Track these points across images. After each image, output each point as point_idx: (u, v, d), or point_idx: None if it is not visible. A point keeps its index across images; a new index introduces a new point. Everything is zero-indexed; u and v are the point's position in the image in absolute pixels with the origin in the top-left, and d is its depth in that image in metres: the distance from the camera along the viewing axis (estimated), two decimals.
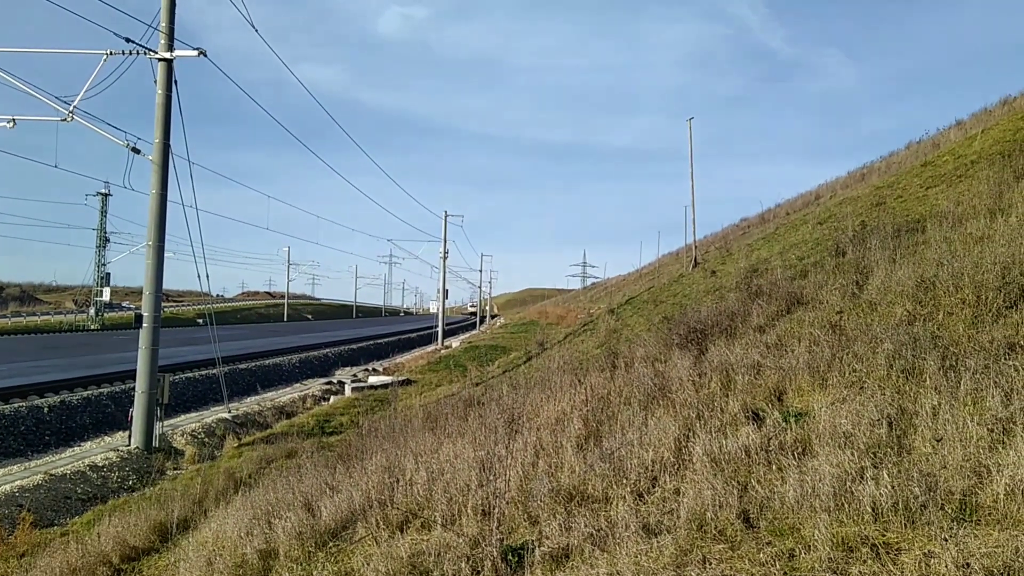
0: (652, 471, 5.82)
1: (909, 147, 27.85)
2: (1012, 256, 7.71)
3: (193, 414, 21.38)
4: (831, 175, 36.12)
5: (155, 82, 16.58)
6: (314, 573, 5.79)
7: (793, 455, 5.27)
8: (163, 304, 18.23)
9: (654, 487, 5.60)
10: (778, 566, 4.01)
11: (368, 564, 5.50)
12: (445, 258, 53.41)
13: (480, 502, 5.84)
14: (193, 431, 18.15)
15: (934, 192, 14.92)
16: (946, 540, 3.73)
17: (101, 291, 61.35)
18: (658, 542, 4.54)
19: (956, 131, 22.83)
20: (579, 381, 9.52)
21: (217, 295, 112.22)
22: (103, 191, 60.18)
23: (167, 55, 16.51)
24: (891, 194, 17.63)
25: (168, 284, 18.11)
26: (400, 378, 28.14)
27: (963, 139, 19.39)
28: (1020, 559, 3.51)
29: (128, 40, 16.04)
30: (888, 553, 3.86)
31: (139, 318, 16.60)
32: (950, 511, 4.04)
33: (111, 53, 16.51)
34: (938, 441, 4.74)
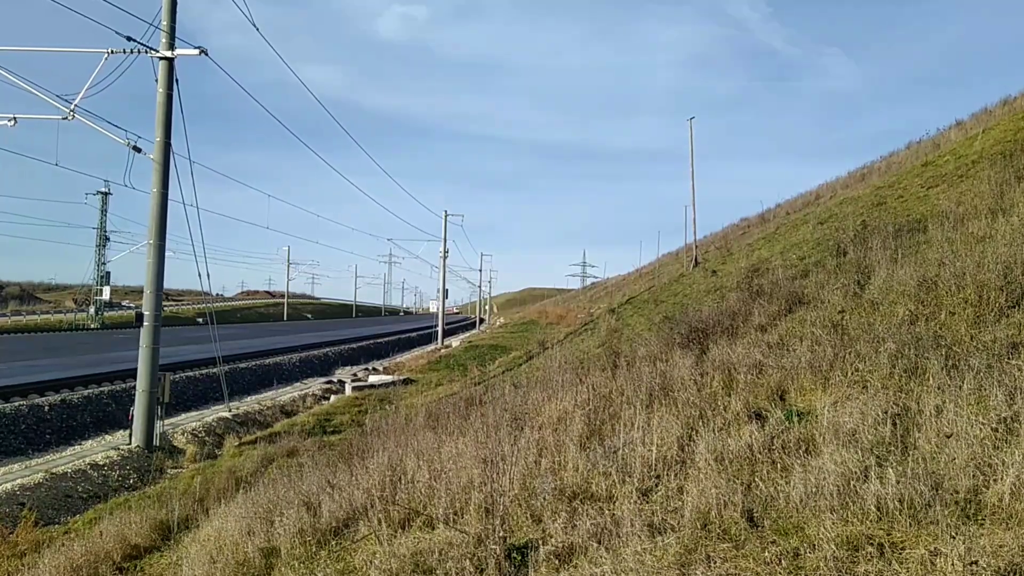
0: (655, 470, 5.81)
1: (910, 147, 27.86)
2: (1014, 256, 7.71)
3: (193, 413, 21.38)
4: (831, 175, 36.20)
5: (156, 81, 16.57)
6: (316, 571, 5.79)
7: (797, 454, 5.27)
8: (163, 303, 18.22)
9: (658, 486, 5.60)
10: (783, 565, 4.00)
11: (371, 562, 5.50)
12: (445, 258, 53.44)
13: (483, 500, 5.83)
14: (194, 430, 18.14)
15: (935, 192, 14.92)
16: (953, 538, 3.72)
17: (101, 290, 61.29)
18: (662, 541, 4.54)
19: (956, 131, 22.84)
20: (580, 380, 9.52)
21: (217, 294, 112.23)
22: (103, 190, 60.08)
23: (168, 54, 16.50)
24: (892, 194, 17.63)
25: (168, 283, 18.11)
26: (400, 377, 28.15)
27: (964, 139, 19.38)
28: None
29: (129, 39, 16.05)
30: (894, 552, 3.86)
31: (140, 317, 16.60)
32: (955, 510, 4.04)
33: (112, 52, 16.50)
34: (948, 437, 4.74)
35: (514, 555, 4.92)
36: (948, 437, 4.77)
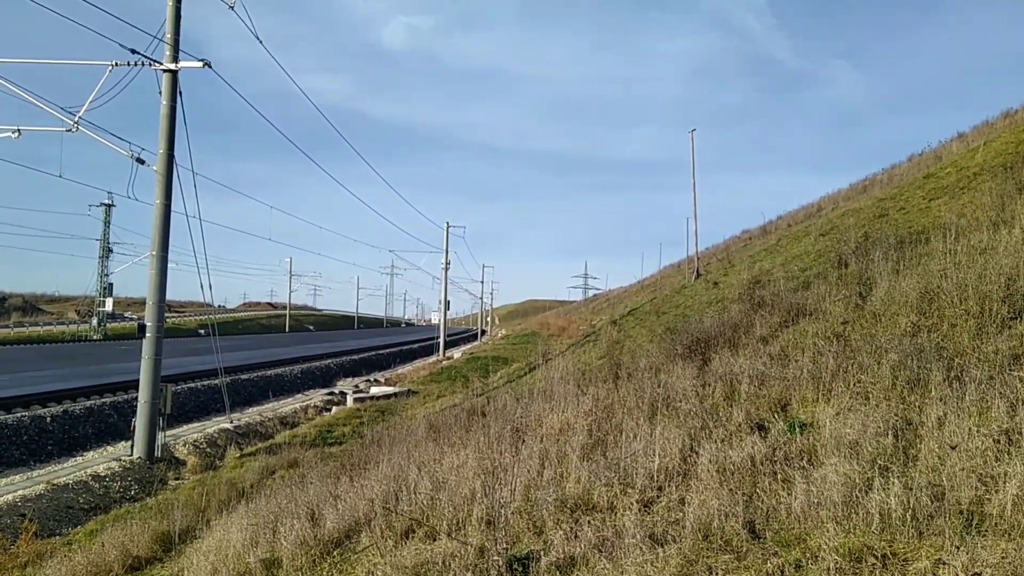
0: (657, 481, 5.81)
1: (911, 159, 27.95)
2: (1016, 267, 7.72)
3: (195, 424, 21.36)
4: (833, 187, 36.42)
5: (160, 93, 16.67)
6: None
7: (799, 465, 5.27)
8: (166, 314, 18.24)
9: (659, 497, 5.60)
10: None
11: (373, 573, 5.49)
12: (447, 269, 53.45)
13: (485, 511, 5.83)
14: (195, 441, 18.12)
15: (937, 204, 14.95)
16: (956, 549, 3.72)
17: (104, 301, 61.44)
18: (664, 552, 4.53)
19: (958, 143, 22.91)
20: (582, 391, 9.52)
21: (219, 306, 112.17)
22: (106, 201, 60.23)
23: (172, 66, 16.61)
24: (893, 206, 17.65)
25: (170, 295, 18.13)
26: (402, 389, 28.11)
27: (965, 151, 19.44)
28: None
29: (133, 51, 16.15)
30: (897, 563, 3.85)
31: (142, 328, 16.68)
32: (958, 521, 4.04)
33: (116, 64, 16.61)
34: (952, 448, 4.73)
35: (515, 566, 4.91)
36: (952, 448, 4.76)
